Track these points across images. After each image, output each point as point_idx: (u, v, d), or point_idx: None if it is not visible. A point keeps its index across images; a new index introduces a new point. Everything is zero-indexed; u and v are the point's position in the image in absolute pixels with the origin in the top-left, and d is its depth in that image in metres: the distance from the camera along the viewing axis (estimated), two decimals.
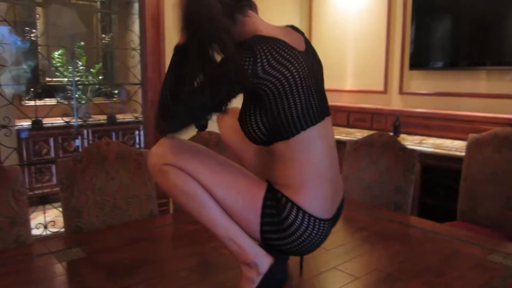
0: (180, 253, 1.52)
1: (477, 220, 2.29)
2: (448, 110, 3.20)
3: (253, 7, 1.19)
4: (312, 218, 1.09)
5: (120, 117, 3.72)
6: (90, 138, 4.34)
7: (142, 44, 3.26)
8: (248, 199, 1.09)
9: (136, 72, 3.40)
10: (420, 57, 3.36)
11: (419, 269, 1.35)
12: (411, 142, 3.01)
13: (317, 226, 1.10)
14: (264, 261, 1.11)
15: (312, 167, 1.11)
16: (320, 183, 1.12)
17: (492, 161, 2.28)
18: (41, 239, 2.86)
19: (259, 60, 1.04)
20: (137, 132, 4.49)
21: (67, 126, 3.59)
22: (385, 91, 3.60)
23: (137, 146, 4.27)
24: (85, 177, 1.76)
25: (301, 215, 1.08)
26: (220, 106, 1.09)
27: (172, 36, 3.26)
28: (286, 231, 1.08)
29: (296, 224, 1.08)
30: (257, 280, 1.10)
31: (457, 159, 2.54)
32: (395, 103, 3.56)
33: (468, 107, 3.10)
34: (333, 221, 1.18)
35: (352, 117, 3.85)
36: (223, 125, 1.38)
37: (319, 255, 1.41)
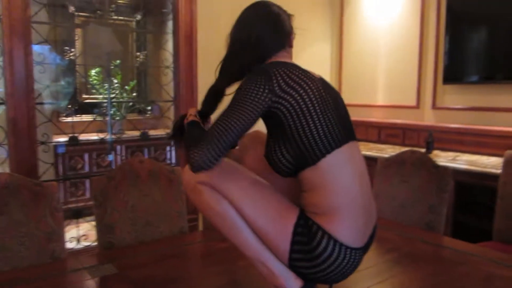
0: (210, 271, 1.53)
1: None
2: (483, 125, 3.10)
3: (288, 47, 1.26)
4: (344, 247, 1.07)
5: (152, 133, 3.80)
6: (123, 153, 4.45)
7: (176, 62, 3.35)
8: (279, 225, 1.09)
9: (169, 89, 3.48)
10: (454, 71, 3.29)
11: None
12: (444, 158, 2.94)
13: (348, 255, 1.08)
14: (293, 284, 1.10)
15: (342, 195, 1.09)
16: (352, 211, 1.10)
17: None
18: (74, 253, 2.94)
19: (274, 79, 1.08)
20: (168, 148, 4.58)
21: (102, 141, 3.71)
22: (417, 106, 3.54)
23: (168, 161, 4.35)
24: (118, 194, 1.81)
25: (332, 243, 1.06)
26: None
27: (204, 54, 3.32)
28: (316, 259, 1.07)
29: (327, 253, 1.06)
30: None
31: (493, 177, 2.46)
32: (428, 118, 3.49)
33: (505, 122, 3.00)
34: (364, 249, 1.16)
35: (383, 132, 3.80)
36: (246, 155, 1.37)
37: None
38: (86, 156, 4.27)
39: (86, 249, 3.04)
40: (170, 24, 3.57)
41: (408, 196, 2.12)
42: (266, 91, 1.07)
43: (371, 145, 3.72)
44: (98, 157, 4.33)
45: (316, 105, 1.09)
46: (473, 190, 2.78)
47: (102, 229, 1.76)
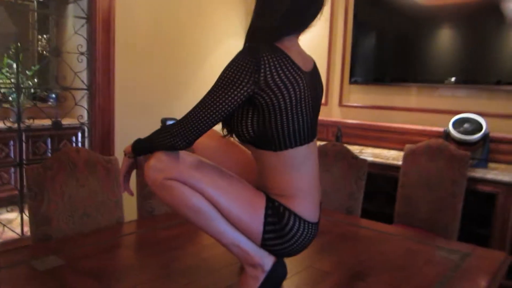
0: (164, 258, 1.55)
1: (411, 222, 2.57)
2: (383, 122, 3.50)
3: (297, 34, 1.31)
4: (307, 223, 1.21)
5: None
6: (24, 142, 4.12)
7: (91, 48, 3.20)
8: (251, 210, 1.17)
9: (82, 76, 3.32)
10: (357, 73, 3.65)
11: (383, 265, 1.53)
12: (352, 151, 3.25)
13: (311, 229, 1.22)
14: (267, 261, 1.21)
15: (303, 181, 1.21)
16: (311, 192, 1.24)
17: (426, 169, 2.57)
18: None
19: (262, 69, 1.09)
20: (73, 138, 4.35)
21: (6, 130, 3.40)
22: (326, 103, 3.85)
23: None
24: (55, 184, 1.73)
25: (298, 221, 1.19)
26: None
27: (122, 42, 3.23)
28: (286, 236, 1.19)
29: (295, 229, 1.19)
30: (262, 277, 1.20)
31: (395, 168, 2.81)
32: (336, 114, 3.82)
33: (401, 119, 3.42)
34: (318, 223, 1.31)
35: None
36: (198, 147, 1.40)
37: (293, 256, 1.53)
38: None
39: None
40: (73, 7, 3.37)
41: (330, 185, 2.35)
42: (250, 81, 1.08)
43: None
44: None
45: (294, 106, 1.14)
46: (377, 179, 3.13)
47: (37, 221, 1.68)
